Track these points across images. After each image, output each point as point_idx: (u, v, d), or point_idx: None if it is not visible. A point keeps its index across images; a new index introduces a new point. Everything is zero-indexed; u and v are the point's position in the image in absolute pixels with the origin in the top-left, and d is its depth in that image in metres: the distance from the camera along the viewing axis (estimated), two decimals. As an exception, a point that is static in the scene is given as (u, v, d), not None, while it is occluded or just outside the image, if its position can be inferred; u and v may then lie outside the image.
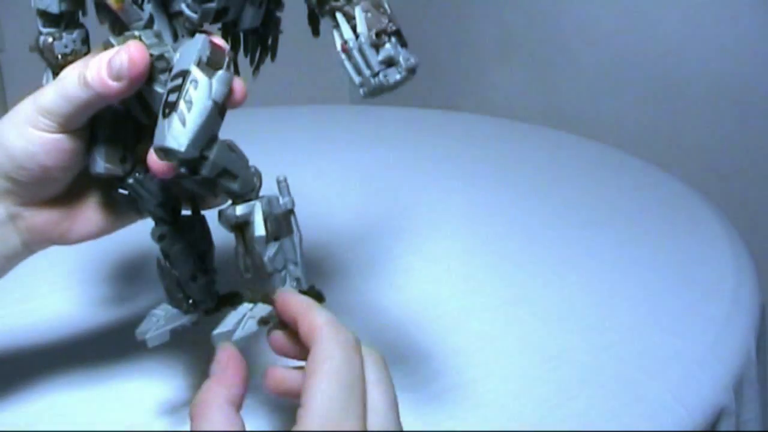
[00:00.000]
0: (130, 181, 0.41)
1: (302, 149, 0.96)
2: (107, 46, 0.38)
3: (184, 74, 0.34)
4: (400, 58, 0.35)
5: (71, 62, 0.43)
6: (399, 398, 0.48)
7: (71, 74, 0.38)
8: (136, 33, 0.37)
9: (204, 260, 0.43)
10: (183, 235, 0.42)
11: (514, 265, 0.66)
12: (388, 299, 0.59)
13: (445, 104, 1.75)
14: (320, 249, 0.66)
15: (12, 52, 1.58)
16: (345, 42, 0.35)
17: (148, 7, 0.38)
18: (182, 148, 0.34)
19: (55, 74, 0.43)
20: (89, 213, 0.43)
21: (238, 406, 0.33)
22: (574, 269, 0.65)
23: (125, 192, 0.41)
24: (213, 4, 0.37)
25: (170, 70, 0.37)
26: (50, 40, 0.42)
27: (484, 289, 0.62)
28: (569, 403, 0.48)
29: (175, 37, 0.38)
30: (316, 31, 0.40)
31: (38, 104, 0.38)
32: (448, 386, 0.49)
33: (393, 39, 0.35)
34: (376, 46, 0.34)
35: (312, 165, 0.90)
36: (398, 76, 0.35)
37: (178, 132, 0.34)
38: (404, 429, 0.45)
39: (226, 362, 0.34)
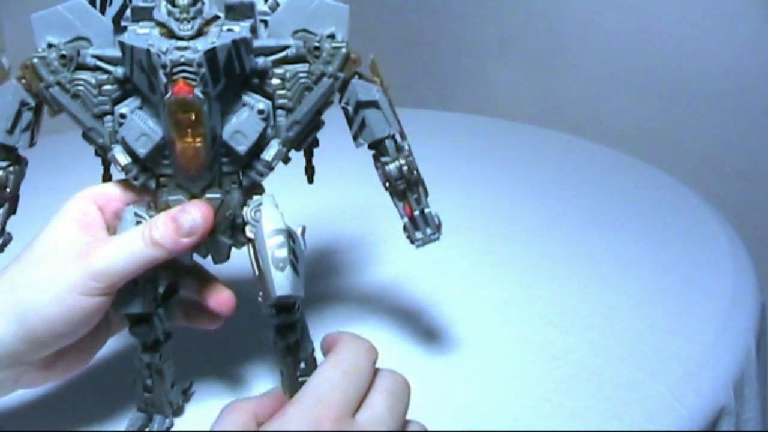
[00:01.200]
0: (155, 318, 0.42)
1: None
2: (168, 204, 0.41)
3: (283, 232, 0.40)
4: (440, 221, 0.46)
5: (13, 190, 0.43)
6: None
7: (129, 236, 0.39)
8: (209, 196, 0.41)
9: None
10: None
11: (514, 264, 0.66)
12: (387, 299, 0.59)
13: (444, 104, 1.76)
14: (319, 249, 0.66)
15: (12, 52, 1.59)
16: (412, 210, 0.45)
17: (216, 170, 0.41)
18: (302, 294, 0.40)
19: None
20: (83, 353, 0.43)
21: (259, 425, 0.34)
22: (574, 269, 0.65)
23: (137, 323, 0.42)
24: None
25: (233, 224, 0.42)
26: (1, 173, 0.42)
27: (484, 288, 0.62)
28: (569, 403, 0.48)
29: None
30: (311, 180, 0.46)
31: (91, 269, 0.38)
32: (448, 386, 0.49)
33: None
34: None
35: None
36: (441, 235, 0.46)
37: (297, 281, 0.39)
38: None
39: (273, 399, 0.36)
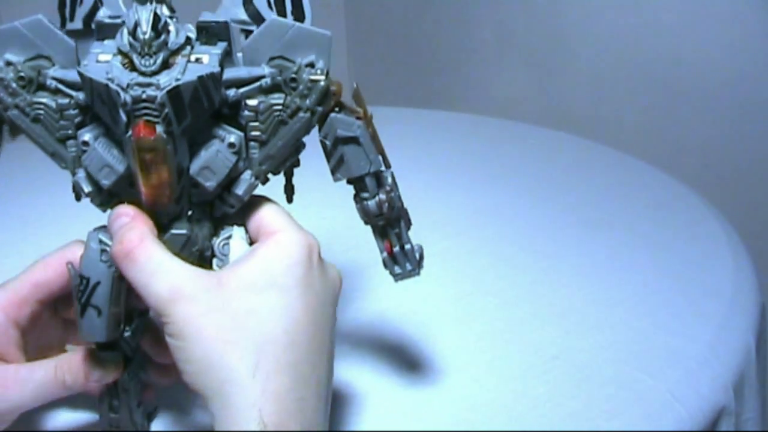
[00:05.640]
0: (121, 343, 0.42)
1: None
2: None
3: None
4: (421, 255, 0.44)
5: None
6: (398, 398, 0.48)
7: (41, 374, 0.40)
8: (175, 232, 0.39)
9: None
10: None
11: (514, 264, 0.66)
12: (387, 299, 0.59)
13: (445, 104, 1.75)
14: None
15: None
16: (392, 247, 0.43)
17: (184, 201, 0.39)
18: None
19: None
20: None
21: None
22: (574, 269, 0.65)
23: (104, 348, 0.42)
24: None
25: (202, 257, 0.40)
26: None
27: (484, 288, 0.62)
28: (569, 403, 0.48)
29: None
30: (290, 199, 0.45)
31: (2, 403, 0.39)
32: (448, 386, 0.49)
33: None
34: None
35: (311, 165, 0.90)
36: (421, 271, 0.44)
37: None
38: (403, 429, 0.45)
39: (135, 212, 0.38)
